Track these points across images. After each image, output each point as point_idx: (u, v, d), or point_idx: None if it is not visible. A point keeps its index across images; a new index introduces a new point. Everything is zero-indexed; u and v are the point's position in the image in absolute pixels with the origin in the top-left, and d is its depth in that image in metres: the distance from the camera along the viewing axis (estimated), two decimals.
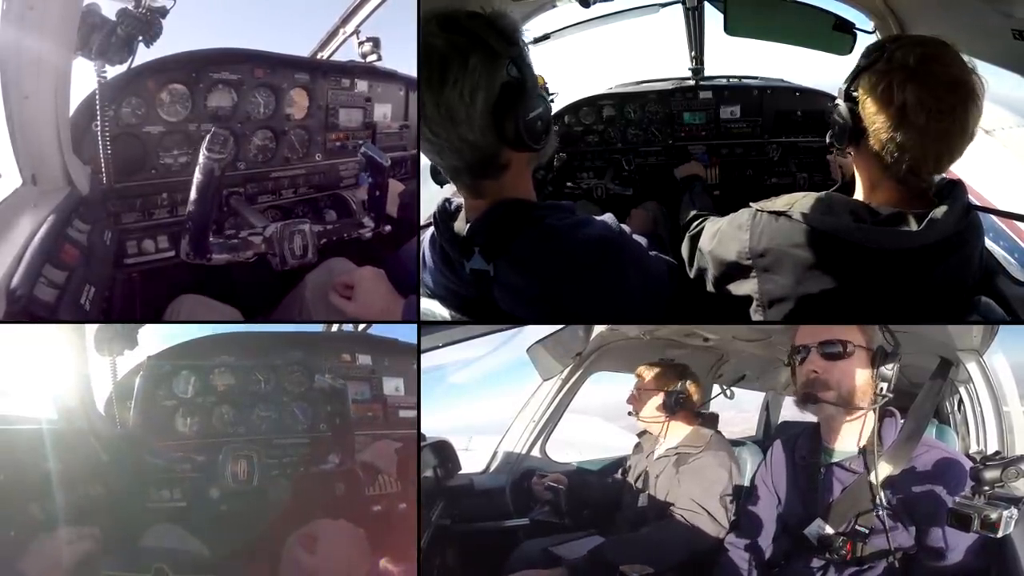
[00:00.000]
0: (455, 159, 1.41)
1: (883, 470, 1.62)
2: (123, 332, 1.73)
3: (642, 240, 1.63)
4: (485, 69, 1.32)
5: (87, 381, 1.82)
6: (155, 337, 2.26)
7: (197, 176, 1.91)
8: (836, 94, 1.61)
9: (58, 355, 1.71)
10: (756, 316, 1.62)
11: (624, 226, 1.60)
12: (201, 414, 2.21)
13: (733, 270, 1.64)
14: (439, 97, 1.31)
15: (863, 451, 1.67)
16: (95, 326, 1.72)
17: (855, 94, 1.50)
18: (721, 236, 1.69)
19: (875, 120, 1.45)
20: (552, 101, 1.51)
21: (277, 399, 2.34)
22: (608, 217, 1.57)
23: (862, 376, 1.68)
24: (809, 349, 1.71)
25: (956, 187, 1.53)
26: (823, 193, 1.61)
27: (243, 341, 2.39)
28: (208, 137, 1.86)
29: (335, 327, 2.71)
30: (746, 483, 2.28)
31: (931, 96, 1.38)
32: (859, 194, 1.62)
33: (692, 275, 1.81)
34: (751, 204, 1.64)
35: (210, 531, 1.87)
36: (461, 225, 1.55)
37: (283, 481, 2.14)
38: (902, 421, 1.72)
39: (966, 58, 1.45)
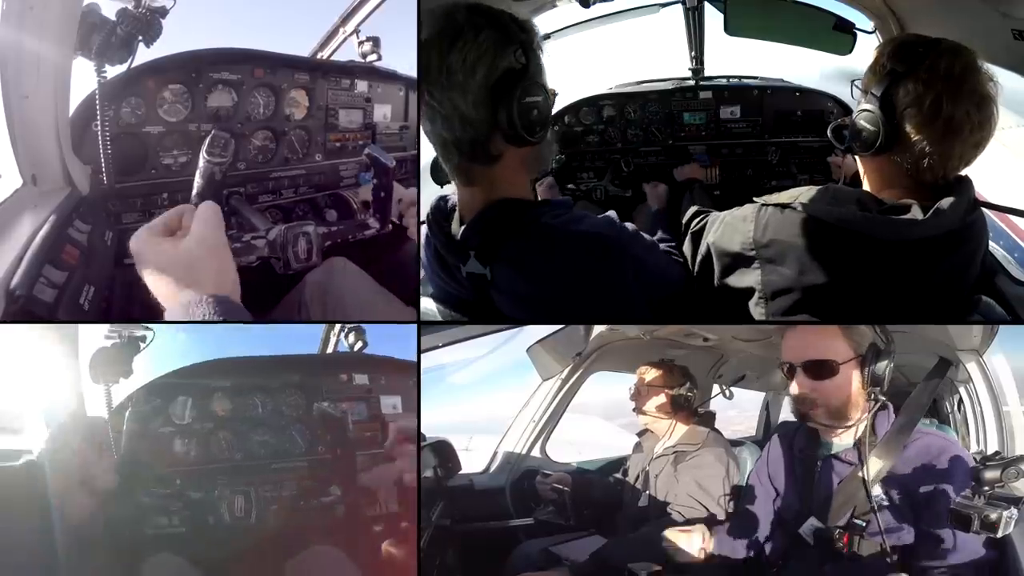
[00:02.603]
0: (446, 129, 1.40)
1: (876, 463, 1.62)
2: (118, 358, 1.71)
3: (647, 237, 1.61)
4: (493, 46, 1.34)
5: (82, 407, 1.82)
6: (151, 361, 2.24)
7: (197, 180, 1.90)
8: (858, 98, 1.59)
9: (52, 380, 1.71)
10: (757, 309, 1.60)
11: (628, 224, 1.58)
12: (198, 440, 2.20)
13: (736, 261, 1.63)
14: (444, 59, 1.33)
15: (857, 444, 1.67)
16: (91, 352, 1.71)
17: (893, 101, 1.48)
18: (724, 228, 1.68)
19: (918, 130, 1.46)
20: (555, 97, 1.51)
21: (275, 423, 2.34)
22: (611, 214, 1.57)
23: (851, 389, 1.66)
24: (795, 368, 1.69)
25: (962, 181, 1.54)
26: (827, 186, 1.61)
27: (239, 365, 2.39)
28: (208, 140, 1.85)
29: (331, 347, 2.71)
30: (745, 482, 2.28)
31: (976, 109, 1.43)
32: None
33: (695, 270, 1.80)
34: (755, 199, 1.63)
35: (209, 559, 1.86)
36: (456, 227, 1.54)
37: (282, 512, 2.14)
38: (895, 416, 1.72)
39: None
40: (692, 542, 1.87)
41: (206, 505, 2.02)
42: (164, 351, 2.27)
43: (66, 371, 1.86)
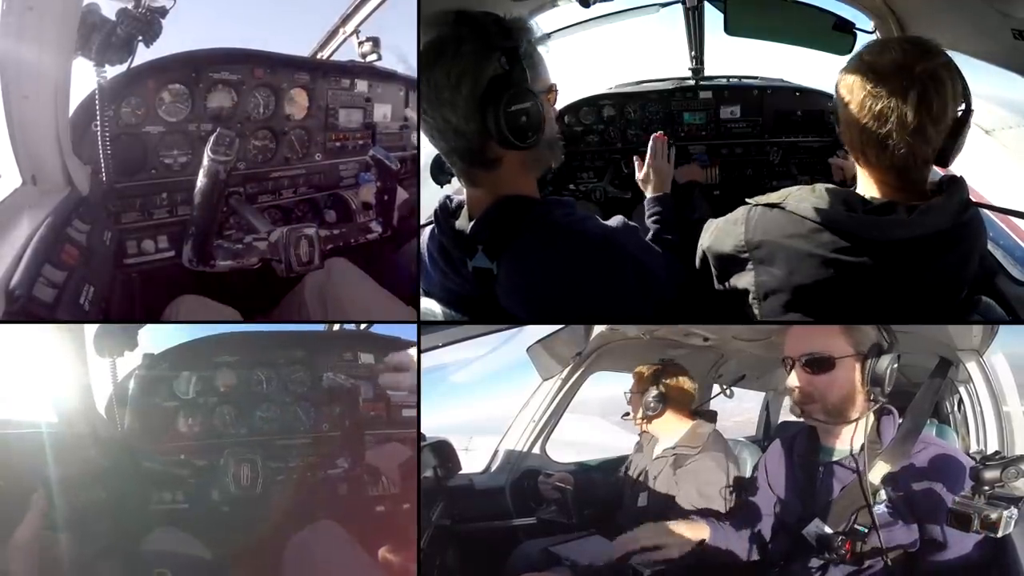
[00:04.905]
0: (442, 141, 1.45)
1: (882, 468, 1.61)
2: (122, 333, 1.72)
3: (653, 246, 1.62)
4: (475, 57, 1.36)
5: (87, 383, 1.82)
6: (155, 338, 2.25)
7: (201, 179, 1.88)
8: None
9: (58, 358, 1.71)
10: (752, 310, 1.62)
11: (637, 227, 1.60)
12: (202, 415, 2.20)
13: (730, 264, 1.64)
14: (429, 75, 1.37)
15: (861, 449, 1.67)
16: (94, 327, 1.71)
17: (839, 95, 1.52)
18: (718, 232, 1.70)
19: (844, 116, 1.49)
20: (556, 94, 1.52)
21: (280, 399, 2.33)
22: (620, 218, 1.58)
23: (849, 386, 1.65)
24: (793, 363, 1.68)
25: (955, 182, 1.53)
26: (815, 185, 1.61)
27: (243, 341, 2.39)
28: (213, 138, 1.84)
29: (336, 326, 2.71)
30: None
31: (880, 83, 1.40)
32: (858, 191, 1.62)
33: (697, 273, 1.80)
34: (747, 200, 1.64)
35: (212, 533, 1.86)
36: (463, 223, 1.55)
37: (287, 485, 2.14)
38: (900, 420, 1.72)
39: (955, 54, 1.46)
40: (693, 532, 1.84)
41: (210, 479, 2.01)
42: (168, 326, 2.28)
43: (73, 368, 1.86)
